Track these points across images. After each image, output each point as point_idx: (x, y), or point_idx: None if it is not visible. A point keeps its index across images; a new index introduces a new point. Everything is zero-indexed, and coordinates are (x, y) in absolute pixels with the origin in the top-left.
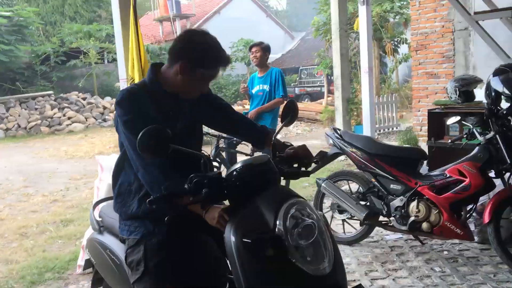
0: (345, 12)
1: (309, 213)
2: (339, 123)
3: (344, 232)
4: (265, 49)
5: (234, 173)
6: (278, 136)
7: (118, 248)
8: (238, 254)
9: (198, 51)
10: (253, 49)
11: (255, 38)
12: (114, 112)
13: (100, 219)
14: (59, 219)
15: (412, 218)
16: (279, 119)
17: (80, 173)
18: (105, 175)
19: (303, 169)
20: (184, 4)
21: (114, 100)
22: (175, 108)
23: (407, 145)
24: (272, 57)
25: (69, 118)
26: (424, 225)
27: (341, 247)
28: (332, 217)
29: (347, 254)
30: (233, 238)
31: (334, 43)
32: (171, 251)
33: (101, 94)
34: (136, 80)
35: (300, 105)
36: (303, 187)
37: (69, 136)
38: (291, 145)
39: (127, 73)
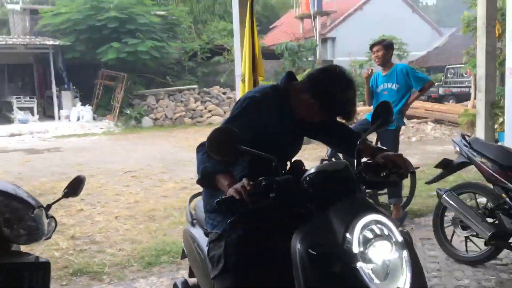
0: (494, 5)
1: (388, 229)
2: (480, 129)
3: (466, 250)
4: (387, 47)
5: (307, 179)
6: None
7: (204, 242)
8: (302, 265)
9: (334, 101)
10: (374, 48)
11: (399, 35)
12: None
13: (194, 212)
14: (184, 206)
15: None
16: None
17: None
18: None
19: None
20: (326, 2)
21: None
22: (290, 125)
23: None
24: (416, 54)
25: (209, 111)
26: None
27: (462, 267)
28: (454, 233)
29: (467, 276)
30: (298, 246)
31: (480, 40)
32: (249, 249)
33: None
34: (246, 77)
35: (442, 106)
36: (430, 195)
37: (209, 127)
38: (386, 150)
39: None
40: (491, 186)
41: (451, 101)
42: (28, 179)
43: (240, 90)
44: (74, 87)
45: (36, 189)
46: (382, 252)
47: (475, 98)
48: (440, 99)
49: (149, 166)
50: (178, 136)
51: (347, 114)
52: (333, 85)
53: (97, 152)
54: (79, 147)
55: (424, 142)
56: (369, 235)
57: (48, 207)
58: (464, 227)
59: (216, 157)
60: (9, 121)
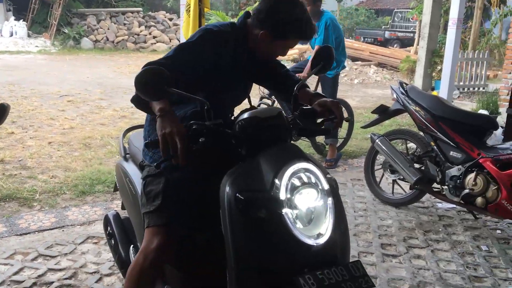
0: None
1: (316, 177)
2: (418, 75)
3: (392, 193)
4: (313, 1)
5: (239, 123)
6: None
7: (136, 177)
8: (230, 209)
9: (282, 23)
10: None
11: None
12: None
13: (128, 146)
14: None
15: (466, 191)
16: None
17: None
18: None
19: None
20: None
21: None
22: (244, 68)
23: (479, 111)
24: None
25: (154, 37)
26: (479, 200)
27: (386, 208)
28: (383, 176)
29: (391, 216)
30: (227, 190)
31: None
32: (186, 190)
33: None
34: (192, 7)
35: (386, 50)
36: (365, 138)
37: (152, 54)
38: (324, 96)
39: None
40: (422, 134)
41: (395, 45)
42: None
43: (184, 21)
44: (8, 0)
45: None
46: (308, 199)
47: (418, 45)
48: (385, 43)
49: (86, 91)
50: (119, 61)
51: (303, 33)
52: (277, 8)
53: (31, 72)
54: (12, 65)
55: (365, 85)
56: (297, 182)
57: None
58: (393, 171)
59: (144, 97)
60: None
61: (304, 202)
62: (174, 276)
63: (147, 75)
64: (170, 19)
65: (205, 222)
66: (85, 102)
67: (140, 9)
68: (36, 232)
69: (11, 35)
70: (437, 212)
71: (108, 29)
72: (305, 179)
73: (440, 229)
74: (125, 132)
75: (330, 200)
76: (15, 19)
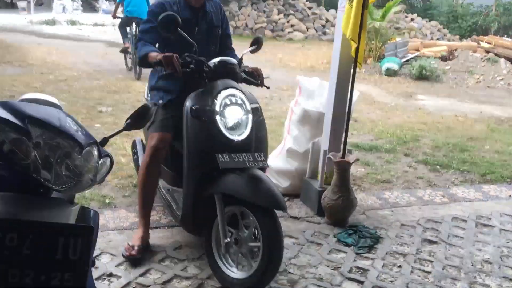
0: None
1: (242, 100)
2: None
3: None
4: None
5: (213, 62)
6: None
7: None
8: (186, 116)
9: None
10: None
11: None
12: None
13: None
14: None
15: None
16: None
17: (288, 84)
18: (302, 99)
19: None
20: None
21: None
22: (193, 16)
23: None
24: None
25: (291, 26)
26: None
27: None
28: None
29: None
30: (187, 103)
31: None
32: (170, 109)
33: (327, 6)
34: None
35: None
36: None
37: (288, 43)
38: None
39: None
40: None
41: None
42: (104, 73)
43: (345, 12)
44: None
45: (112, 85)
46: (235, 113)
47: None
48: None
49: None
50: None
51: None
52: None
53: None
54: None
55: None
56: (228, 101)
57: (104, 141)
58: None
59: (162, 31)
60: (94, 9)
61: (232, 114)
62: (167, 174)
63: (166, 16)
64: (310, 8)
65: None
66: None
67: None
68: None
69: None
70: None
71: (248, 15)
72: (234, 100)
73: None
74: None
75: (250, 117)
76: None
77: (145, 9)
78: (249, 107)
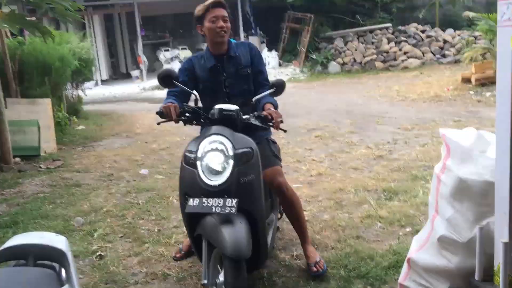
0: None
1: (225, 147)
2: None
3: None
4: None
5: (212, 111)
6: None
7: None
8: (181, 160)
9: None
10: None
11: None
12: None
13: None
14: (381, 187)
15: None
16: None
17: (411, 122)
18: (453, 163)
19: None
20: None
21: (457, 32)
22: (218, 63)
23: None
24: None
25: (404, 53)
26: None
27: None
28: None
29: None
30: (184, 150)
31: None
32: None
33: (442, 26)
34: None
35: None
36: None
37: (403, 73)
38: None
39: None
40: None
41: None
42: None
43: None
44: (261, 32)
45: None
46: (214, 159)
47: None
48: None
49: (335, 122)
50: (367, 84)
51: (218, 28)
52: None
53: (281, 103)
54: None
55: None
56: (208, 148)
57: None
58: None
59: (160, 85)
60: None
61: (210, 159)
62: None
63: (163, 72)
64: (423, 31)
65: None
66: (334, 137)
67: (389, 24)
68: None
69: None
70: None
71: (356, 50)
72: (214, 147)
73: None
74: None
75: (230, 162)
76: (268, 50)
77: None
78: (231, 153)
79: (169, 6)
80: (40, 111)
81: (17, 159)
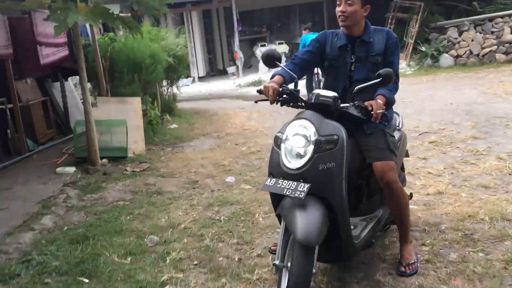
0: None
1: (308, 131)
2: None
3: None
4: None
5: (309, 94)
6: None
7: None
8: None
9: None
10: None
11: None
12: None
13: None
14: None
15: None
16: None
17: None
18: None
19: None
20: None
21: None
22: (349, 44)
23: None
24: None
25: None
26: None
27: None
28: None
29: None
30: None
31: None
32: None
33: None
34: None
35: None
36: None
37: None
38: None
39: None
40: None
41: None
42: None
43: None
44: None
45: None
46: (295, 142)
47: None
48: None
49: (452, 124)
50: (487, 78)
51: (339, 12)
52: None
53: None
54: None
55: None
56: (293, 131)
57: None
58: None
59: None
60: None
61: (293, 143)
62: None
63: (266, 52)
64: None
65: None
66: (453, 143)
67: None
68: None
69: None
70: None
71: (472, 40)
72: (299, 131)
73: None
74: None
75: (310, 147)
76: None
77: None
78: (312, 138)
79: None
80: (130, 110)
81: (104, 160)
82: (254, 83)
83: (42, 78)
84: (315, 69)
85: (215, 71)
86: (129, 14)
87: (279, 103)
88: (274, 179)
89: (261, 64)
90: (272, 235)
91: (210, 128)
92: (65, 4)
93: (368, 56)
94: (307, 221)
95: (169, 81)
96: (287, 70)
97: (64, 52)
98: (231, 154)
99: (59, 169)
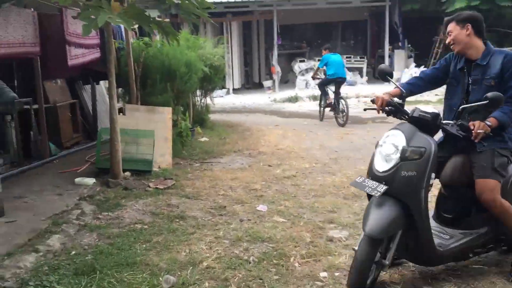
0: None
1: (397, 141)
2: None
3: None
4: None
5: (412, 108)
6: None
7: None
8: None
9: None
10: None
11: None
12: None
13: None
14: None
15: None
16: None
17: None
18: None
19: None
20: None
21: None
22: (466, 68)
23: None
24: None
25: None
26: None
27: None
28: None
29: None
30: None
31: None
32: None
33: None
34: None
35: None
36: None
37: None
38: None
39: None
40: None
41: None
42: (342, 163)
43: None
44: (409, 45)
45: (345, 178)
46: (385, 149)
47: None
48: None
49: None
50: None
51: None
52: None
53: None
54: None
55: None
56: (386, 140)
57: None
58: None
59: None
60: None
61: (383, 149)
62: None
63: (382, 67)
64: None
65: None
66: None
67: None
68: None
69: None
70: None
71: None
72: (390, 140)
73: None
74: None
75: (396, 155)
76: (415, 66)
77: (343, 70)
78: (400, 147)
79: (309, 14)
80: (159, 121)
81: (127, 173)
82: (290, 99)
83: (73, 79)
84: (327, 89)
85: (250, 83)
86: (168, 20)
87: (385, 113)
88: (363, 178)
89: (299, 80)
90: None
91: (242, 144)
92: (98, 2)
93: (483, 79)
94: (376, 216)
95: (203, 91)
96: (409, 83)
97: (95, 54)
98: (264, 177)
99: (77, 180)
